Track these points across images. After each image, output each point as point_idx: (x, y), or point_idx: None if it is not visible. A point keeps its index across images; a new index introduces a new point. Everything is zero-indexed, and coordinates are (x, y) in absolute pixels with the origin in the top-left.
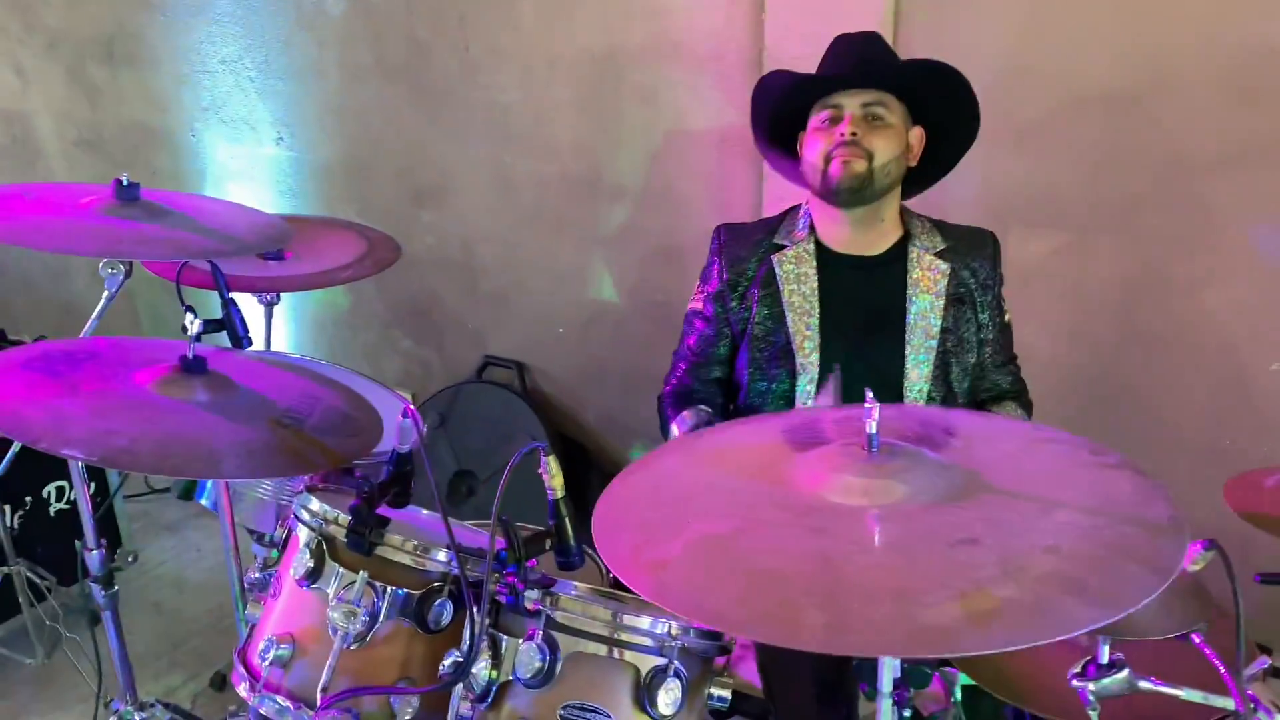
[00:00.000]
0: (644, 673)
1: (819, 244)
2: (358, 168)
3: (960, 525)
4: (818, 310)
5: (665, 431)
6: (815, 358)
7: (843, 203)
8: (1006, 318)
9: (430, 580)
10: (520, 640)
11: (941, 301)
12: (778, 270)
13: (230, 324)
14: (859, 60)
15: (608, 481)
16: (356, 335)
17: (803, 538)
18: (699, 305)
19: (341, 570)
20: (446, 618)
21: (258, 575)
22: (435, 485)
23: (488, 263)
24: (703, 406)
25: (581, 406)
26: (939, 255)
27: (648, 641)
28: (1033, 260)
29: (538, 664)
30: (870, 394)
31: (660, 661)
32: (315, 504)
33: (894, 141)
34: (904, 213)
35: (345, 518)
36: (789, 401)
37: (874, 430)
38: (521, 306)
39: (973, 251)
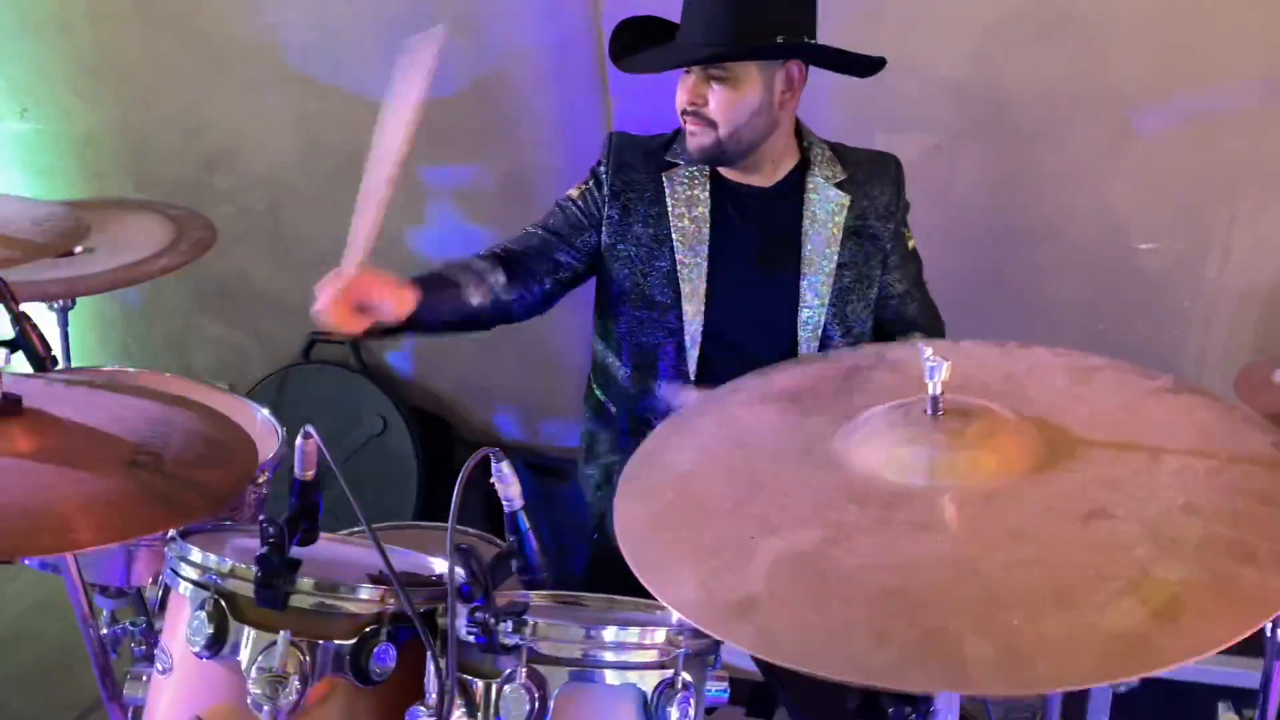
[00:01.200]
0: (649, 692)
1: (713, 170)
2: (128, 136)
3: (1078, 495)
4: (708, 238)
5: None
6: (702, 288)
7: (692, 163)
8: (910, 245)
9: (361, 624)
10: (496, 683)
11: (840, 235)
12: (667, 189)
13: (28, 343)
14: (701, 24)
15: (472, 449)
16: (154, 329)
17: (907, 539)
18: (575, 193)
19: (252, 632)
20: (390, 663)
21: (106, 632)
22: (362, 512)
23: (301, 228)
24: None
25: (433, 375)
26: (839, 186)
27: (650, 655)
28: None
29: (526, 708)
30: (926, 345)
31: (666, 675)
32: (197, 554)
33: (741, 101)
34: (803, 136)
35: (245, 568)
36: (670, 331)
37: (939, 390)
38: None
39: (873, 180)
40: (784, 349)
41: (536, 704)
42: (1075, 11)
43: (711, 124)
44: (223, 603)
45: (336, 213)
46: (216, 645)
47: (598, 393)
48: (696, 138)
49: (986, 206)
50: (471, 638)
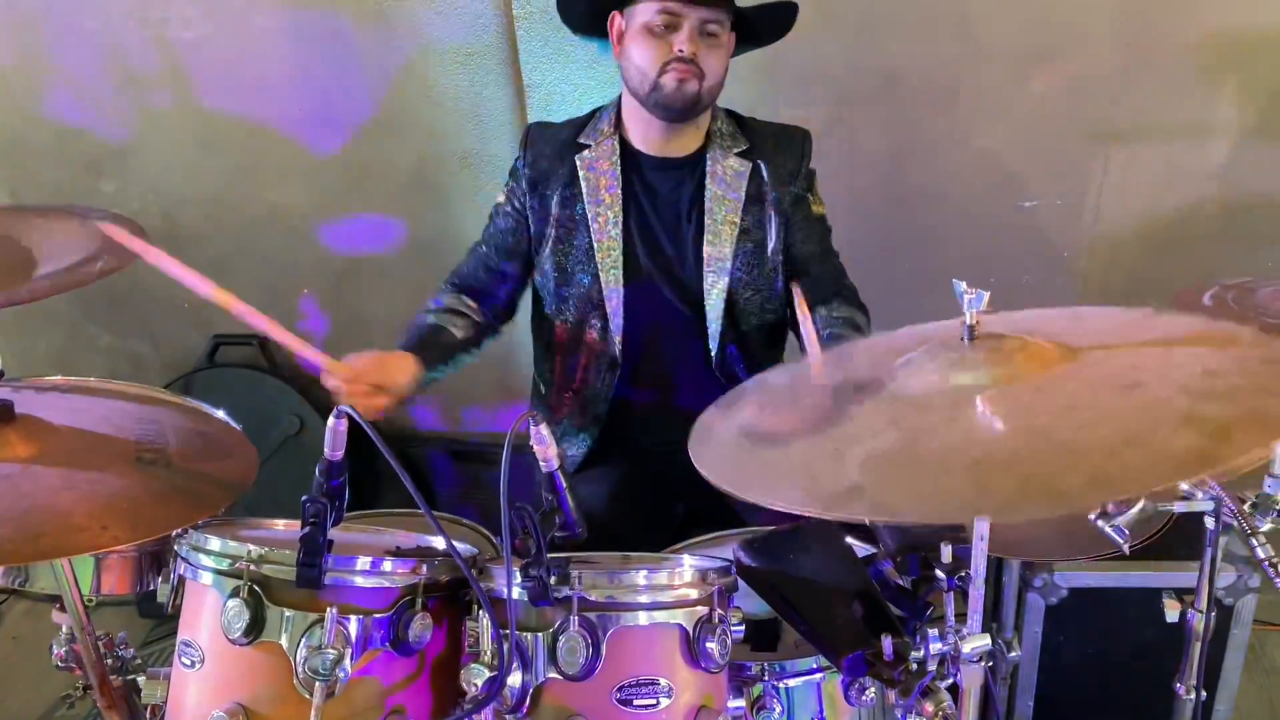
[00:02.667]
0: (690, 627)
1: (623, 141)
2: (1, 140)
3: (1112, 377)
4: (620, 211)
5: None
6: (619, 258)
7: (668, 118)
8: (817, 210)
9: (397, 596)
10: (549, 634)
11: (742, 202)
12: (580, 171)
13: None
14: None
15: (394, 444)
16: (37, 341)
17: (978, 428)
18: (502, 198)
19: (293, 614)
20: (428, 632)
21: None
22: (411, 484)
23: (198, 229)
24: (468, 301)
25: None
26: (740, 155)
27: (691, 594)
28: None
29: (583, 654)
30: (962, 285)
31: (702, 611)
32: (217, 543)
33: (724, 60)
34: (711, 110)
35: (278, 552)
36: (593, 304)
37: (974, 320)
38: (251, 273)
39: (779, 150)
40: (696, 315)
41: (590, 649)
42: None
43: (700, 74)
44: (256, 588)
45: (236, 213)
46: (255, 631)
47: (542, 387)
48: (686, 84)
49: (883, 173)
50: (524, 594)
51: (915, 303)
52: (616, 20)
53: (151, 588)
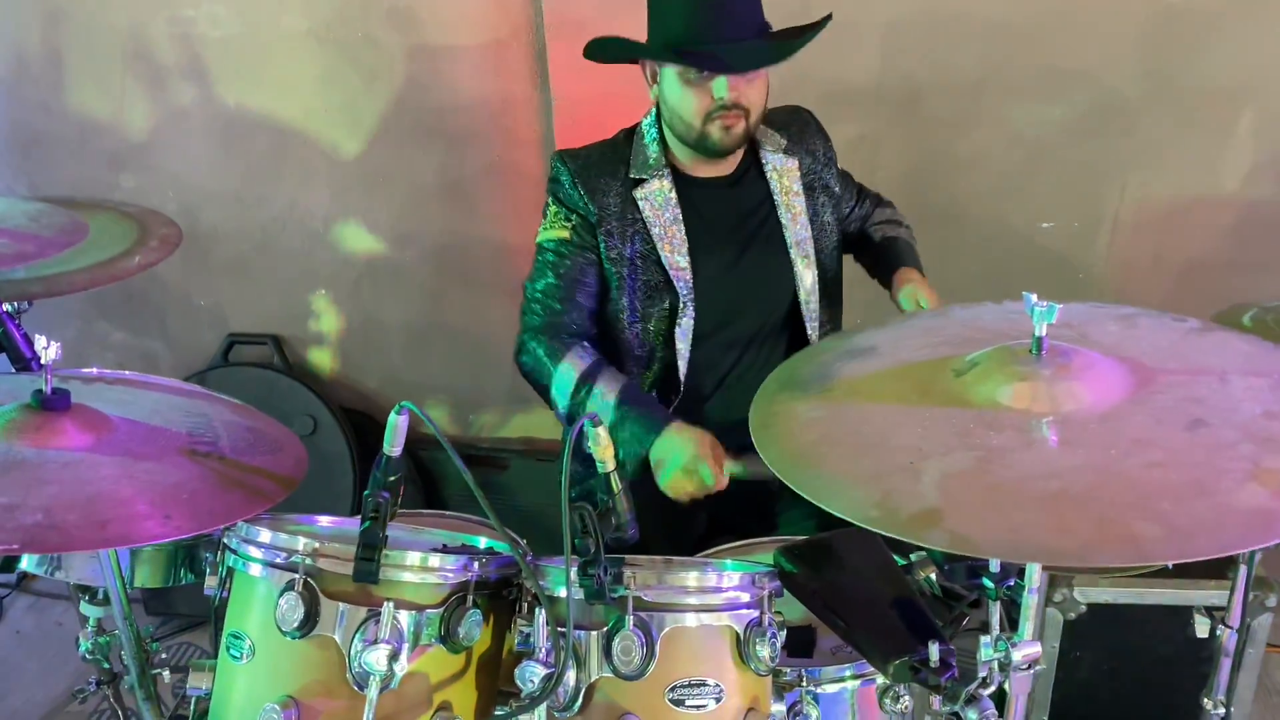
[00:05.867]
0: (741, 630)
1: (675, 170)
2: (21, 135)
3: (1176, 411)
4: (685, 239)
5: (540, 374)
6: (690, 288)
7: (721, 157)
8: (840, 168)
9: (449, 592)
10: (603, 632)
11: (802, 197)
12: (642, 207)
13: (10, 343)
14: (732, 23)
15: (406, 450)
16: (47, 336)
17: (1051, 455)
18: (566, 234)
19: (347, 608)
20: (478, 628)
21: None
22: (472, 481)
23: (218, 227)
24: (586, 344)
25: (360, 373)
26: (785, 153)
27: (743, 596)
28: None
29: (638, 654)
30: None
31: (753, 614)
32: (267, 535)
33: (764, 87)
34: None
35: (334, 546)
36: (667, 338)
37: (1043, 332)
38: (268, 272)
39: (805, 134)
40: (781, 320)
41: (645, 648)
42: (974, 13)
43: (745, 112)
44: (311, 581)
45: (257, 211)
46: (309, 624)
47: None
48: (734, 129)
49: (904, 190)
50: (580, 593)
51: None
52: (648, 64)
53: (182, 581)
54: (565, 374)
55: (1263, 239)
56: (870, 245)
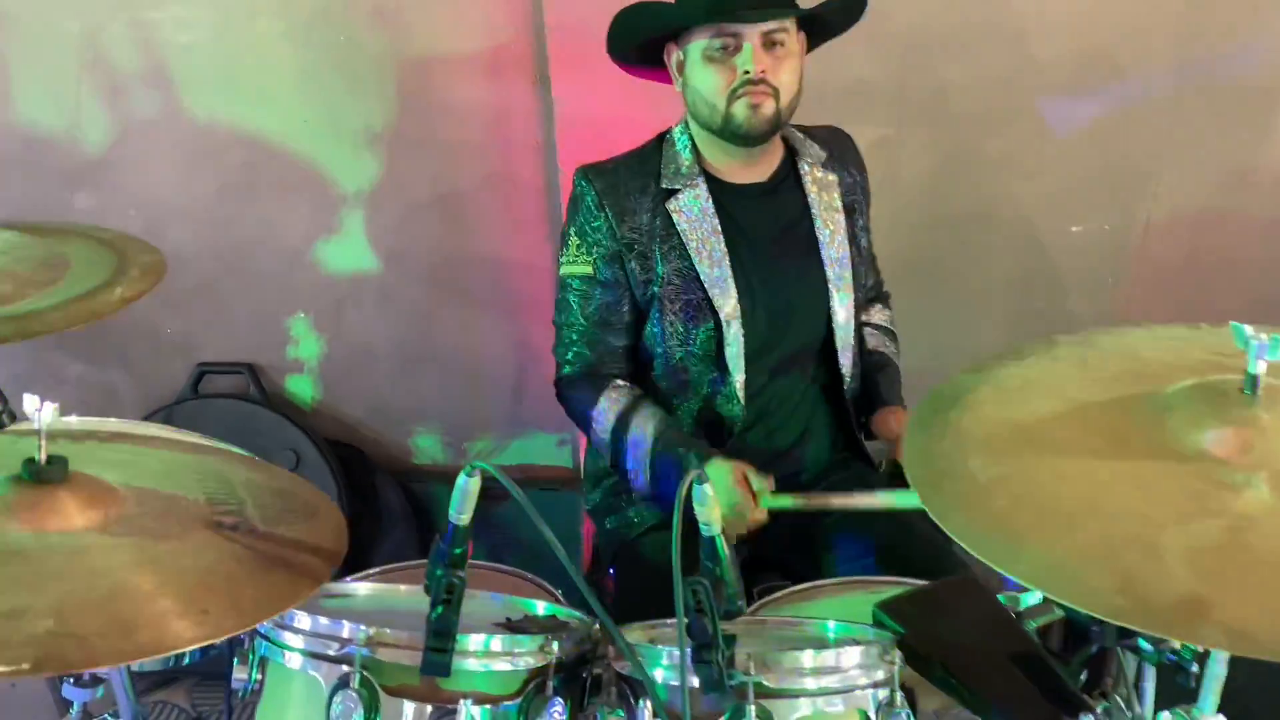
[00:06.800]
0: (872, 711)
1: (709, 177)
2: None
3: None
4: (726, 254)
5: (582, 420)
6: (734, 304)
7: (748, 144)
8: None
9: (525, 679)
10: None
11: (841, 215)
12: (676, 220)
13: None
14: None
15: (397, 484)
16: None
17: None
18: (589, 270)
19: (414, 706)
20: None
21: None
22: (563, 553)
23: (186, 248)
24: (620, 382)
25: (344, 401)
26: (824, 166)
27: (876, 674)
28: None
29: None
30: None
31: (884, 694)
32: (306, 619)
33: (798, 69)
34: None
35: (396, 633)
36: (713, 361)
37: (1260, 369)
38: (242, 296)
39: (845, 154)
40: (820, 336)
41: None
42: (1004, 10)
43: (775, 92)
44: (369, 676)
45: (229, 231)
46: None
47: None
48: (762, 108)
49: (930, 192)
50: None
51: (958, 325)
52: (673, 53)
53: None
54: (601, 418)
55: None
56: (860, 348)
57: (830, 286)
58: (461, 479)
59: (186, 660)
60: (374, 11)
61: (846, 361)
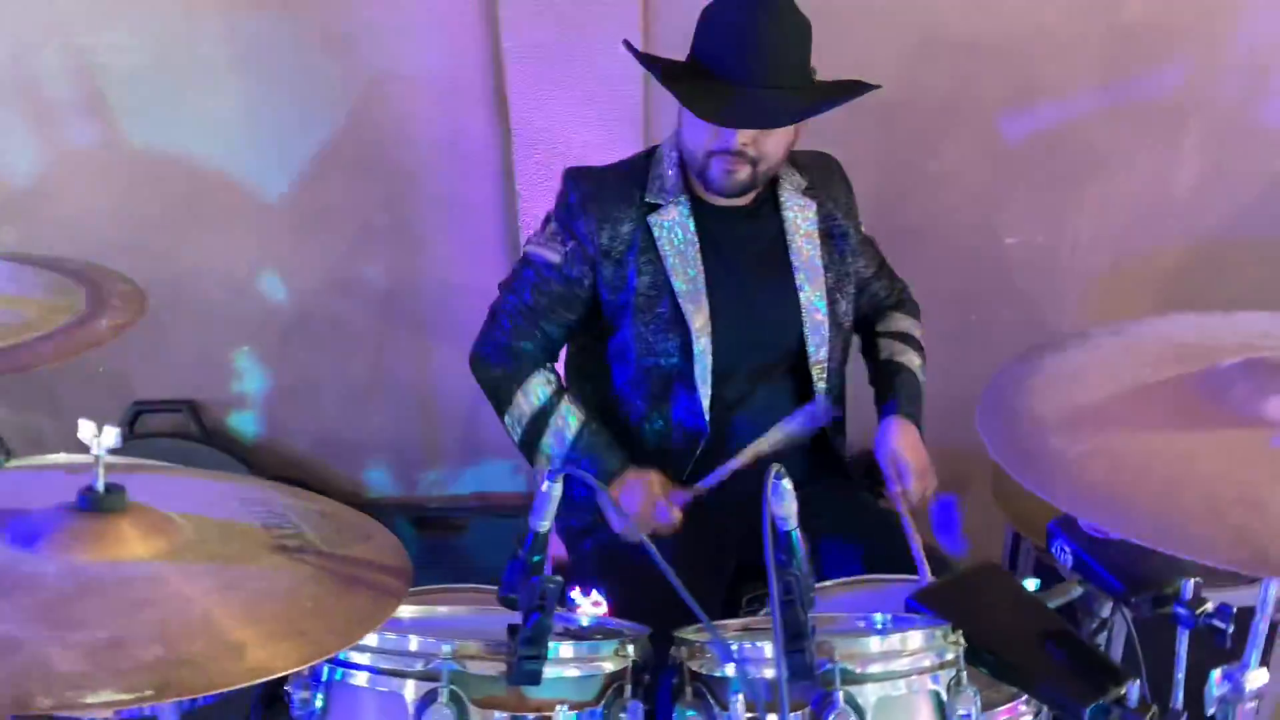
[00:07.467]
0: (943, 691)
1: (692, 196)
2: None
3: None
4: (702, 271)
5: (498, 390)
6: (705, 320)
7: (721, 196)
8: (864, 231)
9: (601, 684)
10: (806, 714)
11: (816, 242)
12: (656, 235)
13: None
14: (761, 68)
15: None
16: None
17: None
18: (557, 259)
19: (505, 716)
20: None
21: None
22: (662, 563)
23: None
24: (550, 366)
25: (290, 436)
26: (804, 193)
27: (948, 654)
28: None
29: None
30: None
31: (951, 673)
32: (373, 637)
33: (786, 139)
34: None
35: (483, 646)
36: (681, 375)
37: None
38: (182, 330)
39: (828, 180)
40: (794, 360)
41: None
42: (944, 34)
43: (753, 161)
44: (458, 690)
45: (166, 263)
46: None
47: None
48: (734, 174)
49: (872, 209)
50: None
51: None
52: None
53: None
54: (523, 402)
55: (1210, 245)
56: (874, 356)
57: (803, 311)
58: (545, 484)
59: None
60: (326, 37)
61: (821, 381)
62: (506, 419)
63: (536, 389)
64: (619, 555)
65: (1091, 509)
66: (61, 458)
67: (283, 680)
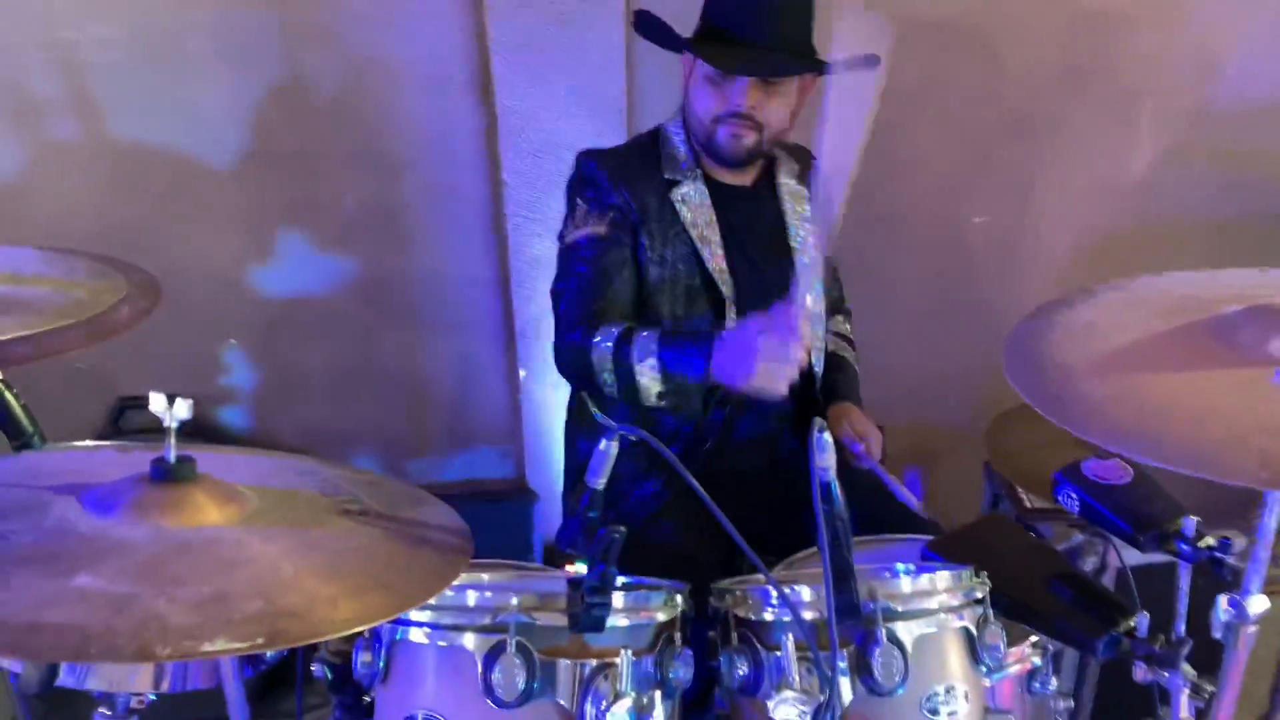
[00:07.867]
0: (974, 628)
1: (705, 174)
2: None
3: None
4: (721, 242)
5: (580, 357)
6: (732, 290)
7: (726, 165)
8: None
9: (654, 631)
10: (851, 651)
11: (810, 225)
12: (680, 210)
13: (10, 414)
14: (768, 27)
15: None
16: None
17: None
18: (601, 230)
19: (570, 663)
20: (691, 668)
21: None
22: (718, 511)
23: None
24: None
25: (279, 428)
26: (798, 179)
27: (977, 593)
28: None
29: (898, 667)
30: None
31: (979, 610)
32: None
33: (788, 107)
34: None
35: (549, 595)
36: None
37: None
38: (167, 325)
39: (808, 168)
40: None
41: (900, 658)
42: (913, 20)
43: (759, 126)
44: (524, 641)
45: (151, 256)
46: (529, 693)
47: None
48: (742, 139)
49: (847, 196)
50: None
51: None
52: (686, 60)
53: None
54: (602, 344)
55: (1164, 223)
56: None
57: (802, 290)
58: (603, 443)
59: None
60: (313, 28)
61: (818, 364)
62: (598, 375)
63: (609, 330)
64: (625, 520)
65: (1126, 443)
66: (88, 444)
67: (286, 666)
